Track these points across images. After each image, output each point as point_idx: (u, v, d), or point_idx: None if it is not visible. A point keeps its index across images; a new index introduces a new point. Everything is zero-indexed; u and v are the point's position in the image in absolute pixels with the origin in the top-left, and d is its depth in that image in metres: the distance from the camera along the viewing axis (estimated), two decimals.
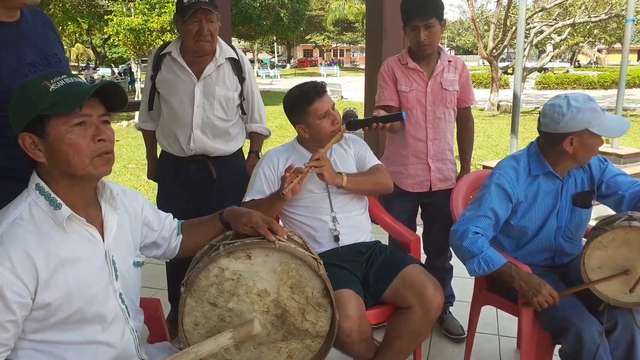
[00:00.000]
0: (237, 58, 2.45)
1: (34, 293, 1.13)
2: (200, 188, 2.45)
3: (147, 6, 16.68)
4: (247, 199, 2.09)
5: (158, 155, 2.65)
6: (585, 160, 1.95)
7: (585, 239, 1.83)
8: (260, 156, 2.54)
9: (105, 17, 17.73)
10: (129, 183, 7.48)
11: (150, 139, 2.62)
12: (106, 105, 1.23)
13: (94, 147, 1.19)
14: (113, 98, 1.24)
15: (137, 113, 3.06)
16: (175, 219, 1.58)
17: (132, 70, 21.67)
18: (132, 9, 17.46)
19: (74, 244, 1.21)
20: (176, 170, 2.46)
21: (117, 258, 1.31)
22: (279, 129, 11.62)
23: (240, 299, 1.37)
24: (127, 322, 1.33)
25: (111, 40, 19.27)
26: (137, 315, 1.41)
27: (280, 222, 2.20)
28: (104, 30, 18.74)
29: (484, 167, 6.17)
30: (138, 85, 18.62)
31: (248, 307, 1.38)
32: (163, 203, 2.52)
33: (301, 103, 2.06)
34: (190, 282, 1.34)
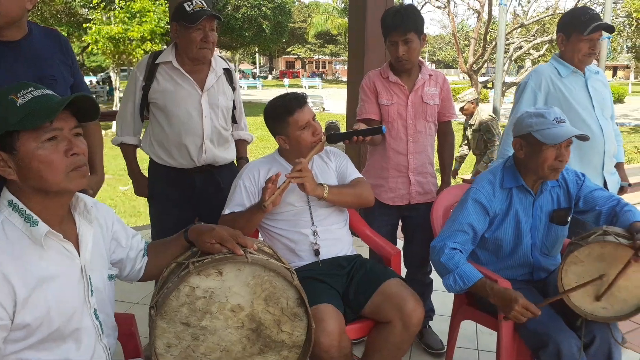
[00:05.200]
0: (229, 68, 2.49)
1: (12, 314, 1.09)
2: (205, 197, 2.42)
3: (128, 15, 16.55)
4: (226, 211, 2.06)
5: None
6: (539, 172, 1.89)
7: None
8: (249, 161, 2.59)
9: (84, 25, 17.53)
10: (106, 194, 7.35)
11: (132, 154, 2.50)
12: (77, 116, 1.19)
13: (67, 162, 1.15)
14: (84, 108, 1.20)
15: (114, 124, 2.95)
16: (143, 240, 1.53)
17: (111, 79, 21.41)
18: (112, 18, 17.30)
19: (50, 261, 1.17)
20: (174, 181, 2.40)
21: (93, 272, 1.28)
22: (260, 140, 11.57)
23: (214, 316, 1.34)
24: (99, 339, 1.29)
25: (90, 48, 18.99)
26: (111, 332, 1.37)
27: (260, 236, 2.18)
28: (83, 39, 18.49)
29: (464, 180, 6.22)
30: (117, 95, 18.42)
31: (222, 324, 1.35)
32: (160, 216, 2.46)
33: (282, 114, 2.05)
34: (160, 304, 1.30)
